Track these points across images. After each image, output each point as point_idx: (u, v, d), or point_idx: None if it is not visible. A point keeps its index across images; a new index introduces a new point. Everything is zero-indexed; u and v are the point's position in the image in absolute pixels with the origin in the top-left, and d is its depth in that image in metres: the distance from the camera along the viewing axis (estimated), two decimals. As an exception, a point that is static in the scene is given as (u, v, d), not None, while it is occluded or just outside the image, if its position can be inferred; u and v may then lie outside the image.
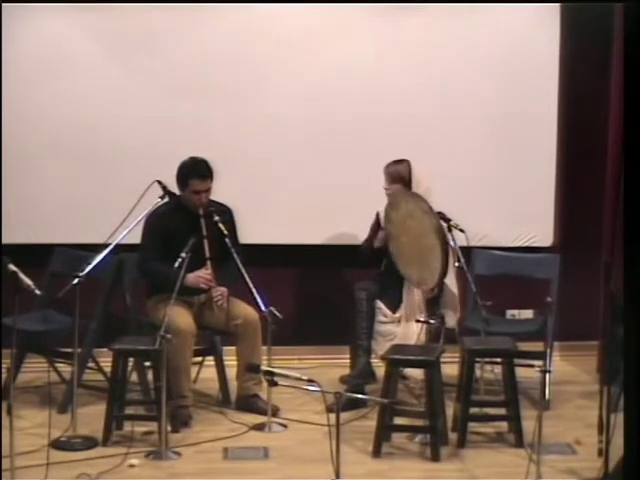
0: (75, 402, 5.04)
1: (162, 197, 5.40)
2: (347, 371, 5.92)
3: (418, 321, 5.47)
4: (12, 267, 4.53)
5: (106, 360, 5.43)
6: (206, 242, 5.47)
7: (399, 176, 5.72)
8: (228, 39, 6.33)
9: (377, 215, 5.85)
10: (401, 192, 5.63)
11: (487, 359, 5.58)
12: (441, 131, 6.45)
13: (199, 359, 5.90)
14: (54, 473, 4.51)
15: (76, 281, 4.98)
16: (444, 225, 5.47)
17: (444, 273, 5.33)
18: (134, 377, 5.49)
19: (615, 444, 4.28)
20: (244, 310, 5.50)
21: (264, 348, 5.40)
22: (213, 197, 5.54)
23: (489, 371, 5.75)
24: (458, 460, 4.88)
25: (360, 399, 5.33)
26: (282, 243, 6.42)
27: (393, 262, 5.66)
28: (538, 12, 6.45)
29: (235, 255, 5.41)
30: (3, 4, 5.97)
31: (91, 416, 5.28)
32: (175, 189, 5.48)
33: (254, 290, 5.31)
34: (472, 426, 5.10)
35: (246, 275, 5.34)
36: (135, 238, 5.42)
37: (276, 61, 6.36)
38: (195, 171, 5.44)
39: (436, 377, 5.00)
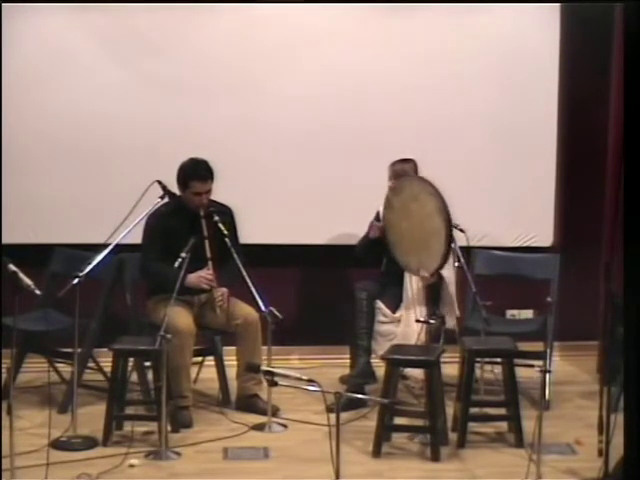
0: (75, 402, 5.04)
1: (162, 197, 5.40)
2: (347, 371, 5.93)
3: (418, 321, 5.47)
4: (12, 267, 4.53)
5: (106, 360, 5.43)
6: (207, 242, 5.48)
7: (405, 175, 5.71)
8: (228, 39, 6.33)
9: (377, 213, 5.84)
10: (407, 177, 5.60)
11: (487, 359, 5.58)
12: (441, 131, 6.45)
13: (199, 359, 5.90)
14: (54, 473, 4.51)
15: (76, 281, 4.97)
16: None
17: (447, 256, 5.31)
18: (134, 377, 5.50)
19: (615, 444, 4.29)
20: (244, 310, 5.50)
21: (264, 348, 5.40)
22: (214, 197, 5.54)
23: (489, 371, 5.75)
24: (458, 460, 4.88)
25: (360, 399, 5.33)
26: (282, 243, 6.43)
27: (390, 251, 5.62)
28: (538, 12, 6.45)
29: (235, 255, 5.41)
30: (3, 4, 5.97)
31: (91, 416, 5.28)
32: (175, 189, 5.48)
33: (254, 290, 5.32)
34: (472, 426, 5.11)
35: (246, 275, 5.35)
36: (135, 238, 5.41)
37: (276, 61, 6.37)
38: (195, 173, 5.44)
39: (436, 377, 5.00)
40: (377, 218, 5.84)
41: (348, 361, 5.92)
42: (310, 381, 4.11)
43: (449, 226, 5.28)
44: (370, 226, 5.86)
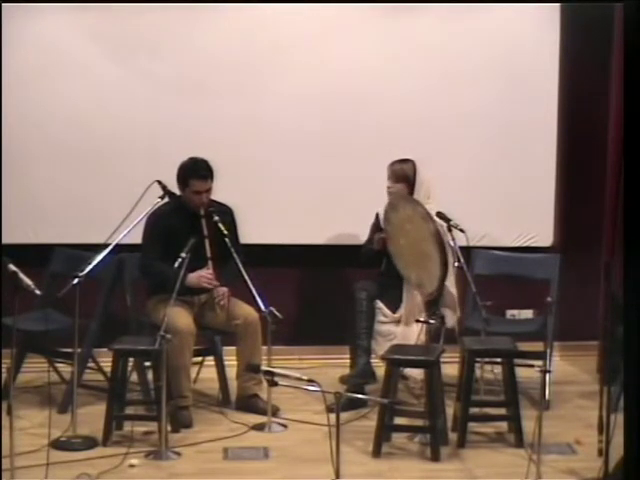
0: (75, 402, 5.04)
1: (162, 197, 5.40)
2: (347, 371, 5.92)
3: (418, 321, 5.47)
4: (12, 267, 4.53)
5: (106, 360, 5.43)
6: (207, 242, 5.48)
7: (404, 175, 5.71)
8: (228, 39, 6.33)
9: (377, 216, 5.85)
10: (401, 195, 5.62)
11: (487, 359, 5.58)
12: (441, 131, 6.45)
13: (199, 359, 5.89)
14: (54, 473, 4.51)
15: (76, 281, 4.97)
16: (444, 225, 5.47)
17: (443, 279, 5.33)
18: (134, 377, 5.50)
19: (615, 444, 4.28)
20: (244, 310, 5.50)
21: (264, 348, 5.40)
22: (214, 197, 5.55)
23: (489, 371, 5.75)
24: (458, 460, 4.88)
25: (360, 399, 5.33)
26: (282, 243, 6.42)
27: (393, 262, 5.65)
28: (538, 12, 6.45)
29: (235, 255, 5.41)
30: (3, 4, 5.97)
31: (91, 416, 5.28)
32: (175, 189, 5.48)
33: (254, 290, 5.31)
34: (472, 426, 5.11)
35: (246, 275, 5.35)
36: (135, 238, 5.41)
37: (277, 61, 6.37)
38: (195, 171, 5.44)
39: (436, 377, 5.00)
40: (376, 220, 5.84)
41: (348, 361, 5.91)
42: (310, 381, 4.11)
43: (443, 254, 5.27)
44: (371, 231, 5.86)
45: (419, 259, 5.40)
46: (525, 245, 6.56)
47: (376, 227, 5.85)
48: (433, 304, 5.59)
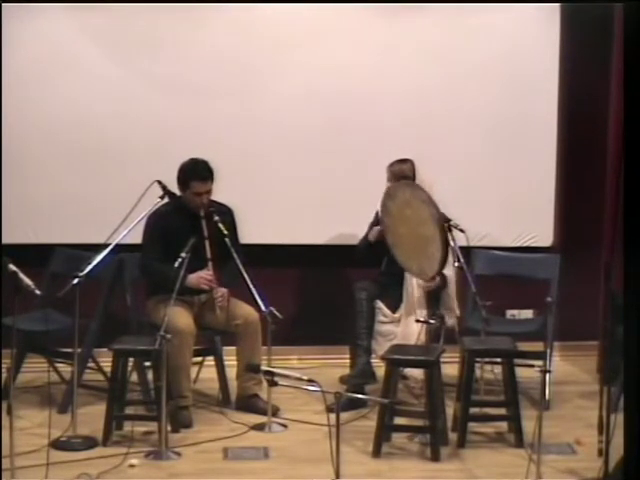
0: (75, 402, 5.04)
1: (162, 197, 5.40)
2: (347, 371, 5.93)
3: (418, 321, 5.47)
4: (12, 267, 4.53)
5: (106, 360, 5.43)
6: (207, 242, 5.48)
7: (403, 176, 5.71)
8: (229, 39, 6.33)
9: (376, 214, 5.84)
10: (399, 183, 5.60)
11: (487, 359, 5.58)
12: (441, 131, 6.45)
13: (199, 359, 5.90)
14: (54, 473, 4.51)
15: (76, 281, 4.97)
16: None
17: (444, 262, 5.31)
18: (134, 377, 5.49)
19: (615, 444, 4.28)
20: (244, 310, 5.50)
21: (264, 348, 5.40)
22: (214, 197, 5.54)
23: (489, 371, 5.75)
24: (458, 460, 4.88)
25: (360, 399, 5.33)
26: (282, 243, 6.43)
27: (392, 254, 5.62)
28: (538, 12, 6.45)
29: (235, 255, 5.41)
30: (3, 4, 5.97)
31: (91, 416, 5.28)
32: (175, 189, 5.48)
33: (254, 290, 5.32)
34: (472, 426, 5.11)
35: (246, 275, 5.35)
36: (135, 238, 5.41)
37: (277, 61, 6.37)
38: (196, 173, 5.44)
39: (436, 377, 5.00)
40: (376, 218, 5.84)
41: (348, 361, 5.92)
42: (310, 381, 4.11)
43: (444, 233, 5.27)
44: (370, 228, 5.86)
45: (420, 245, 5.37)
46: (525, 245, 6.56)
47: (375, 224, 5.84)
48: (433, 304, 5.59)
